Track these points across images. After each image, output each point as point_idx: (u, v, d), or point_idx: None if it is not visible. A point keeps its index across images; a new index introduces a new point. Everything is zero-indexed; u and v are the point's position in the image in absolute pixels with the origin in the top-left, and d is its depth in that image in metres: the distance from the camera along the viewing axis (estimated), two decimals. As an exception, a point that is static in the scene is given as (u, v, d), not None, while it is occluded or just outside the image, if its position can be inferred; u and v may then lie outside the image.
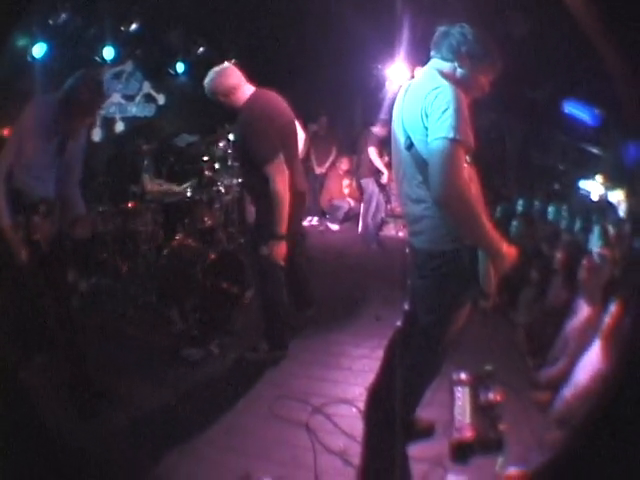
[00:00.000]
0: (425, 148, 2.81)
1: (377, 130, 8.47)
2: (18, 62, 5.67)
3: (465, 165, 2.76)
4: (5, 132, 3.98)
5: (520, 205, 6.93)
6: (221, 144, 7.37)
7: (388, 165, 8.93)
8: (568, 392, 3.66)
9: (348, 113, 8.78)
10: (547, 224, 6.19)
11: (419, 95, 2.85)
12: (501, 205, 7.27)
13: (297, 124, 4.89)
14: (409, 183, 3.03)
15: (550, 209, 6.28)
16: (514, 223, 6.23)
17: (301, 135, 5.04)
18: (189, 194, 6.64)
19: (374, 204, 9.09)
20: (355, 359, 5.04)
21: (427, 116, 2.76)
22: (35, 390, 3.94)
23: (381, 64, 8.55)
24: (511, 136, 8.10)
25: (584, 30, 1.92)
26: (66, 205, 4.06)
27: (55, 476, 2.43)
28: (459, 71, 2.95)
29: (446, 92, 2.74)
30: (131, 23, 7.29)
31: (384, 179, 9.11)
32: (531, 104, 6.46)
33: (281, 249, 4.48)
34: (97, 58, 7.34)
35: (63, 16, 5.93)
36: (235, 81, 4.54)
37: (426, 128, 2.77)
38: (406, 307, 3.42)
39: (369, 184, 8.90)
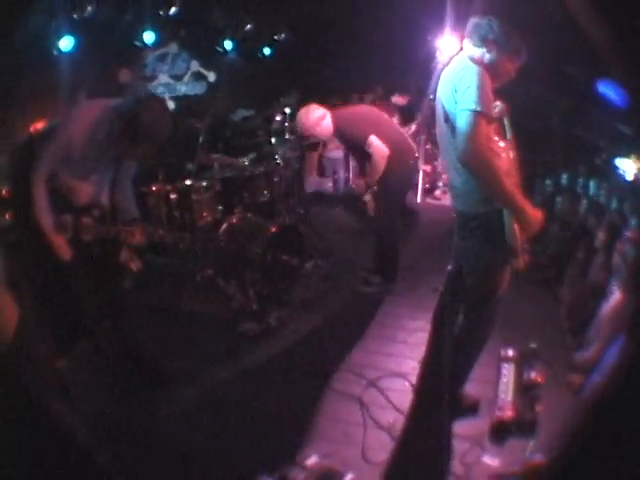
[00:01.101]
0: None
1: (396, 99, 8.38)
2: (45, 56, 5.68)
3: (495, 138, 3.31)
4: (35, 126, 3.92)
5: (565, 179, 6.82)
6: (278, 117, 7.36)
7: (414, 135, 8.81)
8: (596, 379, 3.57)
9: (402, 82, 8.64)
10: (591, 200, 6.02)
11: (451, 75, 3.28)
12: (549, 178, 7.15)
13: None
14: (448, 152, 3.40)
15: (591, 184, 6.12)
16: (558, 199, 6.11)
17: None
18: (247, 168, 6.65)
19: None
20: (411, 332, 5.05)
21: (456, 92, 3.16)
22: (77, 378, 4.05)
23: (431, 36, 8.47)
24: (556, 110, 7.90)
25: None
26: (119, 210, 4.00)
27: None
28: (487, 56, 3.30)
29: (472, 71, 3.15)
30: (170, 7, 7.27)
31: None
32: (571, 80, 6.34)
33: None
34: (137, 43, 7.36)
35: (89, 9, 5.93)
36: (318, 114, 5.61)
37: (456, 102, 3.16)
38: (449, 267, 3.84)
39: None
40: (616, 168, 5.94)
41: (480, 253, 3.44)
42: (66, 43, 5.96)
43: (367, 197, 6.02)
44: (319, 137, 5.78)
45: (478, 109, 3.02)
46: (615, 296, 4.05)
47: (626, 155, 5.80)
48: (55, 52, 5.88)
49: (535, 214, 3.25)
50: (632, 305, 3.60)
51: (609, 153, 6.42)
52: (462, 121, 3.07)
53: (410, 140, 5.94)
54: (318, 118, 5.58)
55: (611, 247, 4.46)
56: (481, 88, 3.06)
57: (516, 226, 3.20)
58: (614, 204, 5.30)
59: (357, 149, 5.77)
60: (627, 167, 5.76)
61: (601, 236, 4.78)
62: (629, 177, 5.72)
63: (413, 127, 8.70)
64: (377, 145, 5.43)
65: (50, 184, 3.58)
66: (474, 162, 3.07)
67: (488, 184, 3.13)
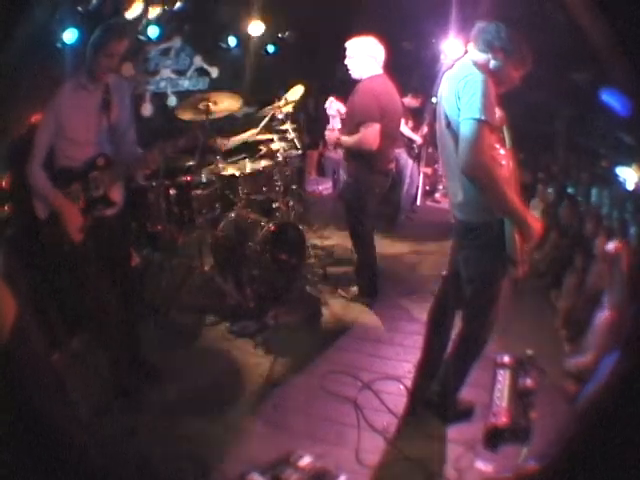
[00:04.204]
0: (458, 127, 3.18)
1: (408, 101, 8.29)
2: (48, 49, 5.63)
3: (496, 146, 3.26)
4: (34, 118, 3.93)
5: (567, 187, 6.83)
6: (279, 116, 7.30)
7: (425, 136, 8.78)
8: (591, 388, 3.57)
9: (406, 84, 8.59)
10: (591, 207, 6.03)
11: (454, 81, 3.23)
12: (552, 185, 7.16)
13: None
14: (449, 159, 3.38)
15: (593, 192, 6.14)
16: (562, 204, 6.10)
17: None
18: (247, 165, 6.62)
19: (407, 176, 8.80)
20: (407, 335, 5.06)
21: (459, 99, 3.12)
22: (72, 372, 4.05)
23: (435, 39, 8.47)
24: (559, 116, 7.93)
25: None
26: (123, 155, 3.94)
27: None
28: (492, 62, 3.26)
29: (476, 79, 3.10)
30: (175, 2, 7.22)
31: (416, 148, 8.81)
32: (574, 87, 6.38)
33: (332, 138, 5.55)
34: (141, 37, 7.31)
35: (94, 2, 5.90)
36: (379, 56, 5.29)
37: (459, 109, 3.12)
38: (444, 273, 3.88)
39: (401, 155, 8.45)
40: (617, 176, 5.95)
41: (479, 262, 3.44)
42: (70, 36, 5.92)
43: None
44: (354, 62, 5.32)
45: (482, 118, 3.00)
46: (606, 310, 4.06)
47: (627, 164, 5.81)
48: (59, 45, 5.85)
49: (536, 224, 3.23)
50: (624, 322, 3.61)
51: (610, 161, 6.44)
52: (466, 130, 3.05)
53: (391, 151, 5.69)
54: (374, 59, 5.26)
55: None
56: (485, 96, 3.04)
57: (517, 236, 3.20)
58: (614, 213, 5.30)
59: (351, 120, 5.38)
60: (628, 176, 5.77)
61: (599, 244, 4.75)
62: (630, 186, 5.73)
63: (425, 129, 8.67)
64: (371, 135, 5.10)
65: (50, 166, 3.65)
66: (477, 172, 3.05)
67: (491, 194, 3.11)
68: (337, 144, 5.53)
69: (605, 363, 3.55)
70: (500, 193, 3.08)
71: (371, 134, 5.10)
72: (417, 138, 8.63)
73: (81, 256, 3.77)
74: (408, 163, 8.62)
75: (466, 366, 3.72)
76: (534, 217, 3.28)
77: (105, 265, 3.90)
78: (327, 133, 5.72)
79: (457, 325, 3.80)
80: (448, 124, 3.30)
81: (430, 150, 9.46)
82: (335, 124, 5.80)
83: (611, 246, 4.24)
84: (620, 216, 5.13)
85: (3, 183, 4.62)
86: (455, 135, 3.20)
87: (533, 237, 3.24)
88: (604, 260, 4.53)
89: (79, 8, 5.95)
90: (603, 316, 4.08)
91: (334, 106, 5.78)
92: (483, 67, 3.23)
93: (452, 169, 3.34)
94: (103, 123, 3.82)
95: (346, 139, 5.35)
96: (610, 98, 5.37)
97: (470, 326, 3.63)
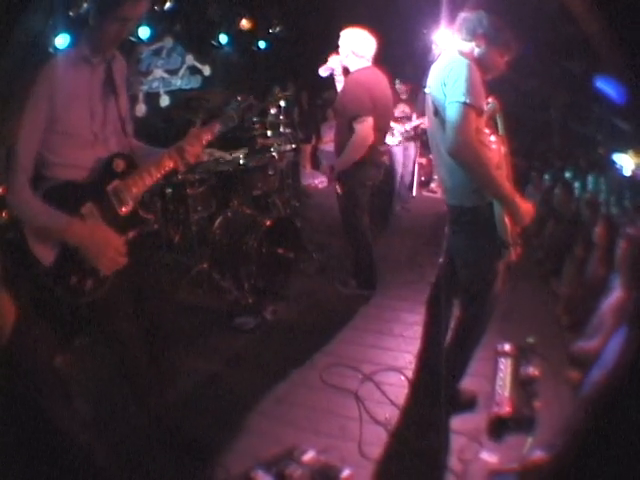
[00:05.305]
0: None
1: (398, 87, 8.29)
2: (41, 54, 5.57)
3: (486, 130, 3.33)
4: None
5: (563, 173, 6.85)
6: (272, 111, 7.26)
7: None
8: (597, 374, 3.58)
9: (399, 75, 8.58)
10: (588, 194, 6.04)
11: (440, 69, 3.28)
12: (548, 172, 7.17)
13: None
14: (438, 146, 3.42)
15: (590, 179, 6.16)
16: (556, 191, 6.12)
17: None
18: (242, 161, 6.60)
19: (399, 163, 8.79)
20: (408, 325, 5.04)
21: (445, 85, 3.17)
22: (74, 373, 4.03)
23: (427, 29, 8.45)
24: (554, 103, 7.95)
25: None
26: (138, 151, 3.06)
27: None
28: (476, 50, 3.30)
29: (460, 64, 3.18)
30: (165, 2, 7.20)
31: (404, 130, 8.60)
32: (569, 74, 6.41)
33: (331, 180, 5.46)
34: (132, 38, 7.27)
35: (85, 6, 5.85)
36: (365, 52, 5.17)
37: (445, 96, 3.16)
38: (440, 259, 3.89)
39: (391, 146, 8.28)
40: (614, 163, 5.97)
41: (472, 247, 3.47)
42: (62, 41, 5.89)
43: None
44: (342, 54, 5.21)
45: (467, 101, 3.03)
46: (617, 292, 4.05)
47: (624, 150, 5.83)
48: (51, 49, 5.81)
49: (525, 206, 3.28)
50: (634, 301, 3.59)
51: (607, 148, 6.46)
52: (451, 113, 3.08)
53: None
54: (360, 51, 5.12)
55: (609, 242, 4.47)
56: (470, 80, 3.08)
57: (507, 218, 3.24)
58: (612, 199, 5.31)
59: (342, 117, 5.28)
60: (625, 162, 5.80)
61: (598, 231, 4.74)
62: (627, 172, 5.74)
63: (418, 120, 8.60)
64: (366, 128, 5.01)
65: (42, 184, 2.72)
66: (463, 154, 3.07)
67: (477, 175, 3.14)
68: (333, 172, 5.37)
69: (610, 348, 3.56)
70: (487, 174, 3.12)
71: (365, 129, 5.01)
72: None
73: (114, 299, 2.97)
74: (398, 150, 8.58)
75: (466, 354, 3.72)
76: (523, 199, 3.32)
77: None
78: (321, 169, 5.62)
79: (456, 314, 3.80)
80: (436, 112, 3.34)
81: (424, 139, 9.42)
82: (337, 82, 5.60)
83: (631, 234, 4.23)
84: (617, 202, 5.13)
85: (1, 189, 4.58)
86: (443, 122, 3.23)
87: (523, 219, 3.28)
88: (604, 246, 4.54)
89: (70, 13, 5.91)
90: (609, 301, 4.08)
91: (333, 61, 5.44)
92: (468, 55, 3.27)
93: (441, 156, 3.37)
94: (111, 110, 2.90)
95: (340, 161, 5.23)
96: (605, 85, 5.39)
97: (468, 312, 3.64)
